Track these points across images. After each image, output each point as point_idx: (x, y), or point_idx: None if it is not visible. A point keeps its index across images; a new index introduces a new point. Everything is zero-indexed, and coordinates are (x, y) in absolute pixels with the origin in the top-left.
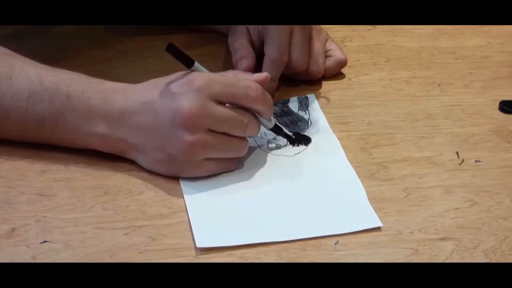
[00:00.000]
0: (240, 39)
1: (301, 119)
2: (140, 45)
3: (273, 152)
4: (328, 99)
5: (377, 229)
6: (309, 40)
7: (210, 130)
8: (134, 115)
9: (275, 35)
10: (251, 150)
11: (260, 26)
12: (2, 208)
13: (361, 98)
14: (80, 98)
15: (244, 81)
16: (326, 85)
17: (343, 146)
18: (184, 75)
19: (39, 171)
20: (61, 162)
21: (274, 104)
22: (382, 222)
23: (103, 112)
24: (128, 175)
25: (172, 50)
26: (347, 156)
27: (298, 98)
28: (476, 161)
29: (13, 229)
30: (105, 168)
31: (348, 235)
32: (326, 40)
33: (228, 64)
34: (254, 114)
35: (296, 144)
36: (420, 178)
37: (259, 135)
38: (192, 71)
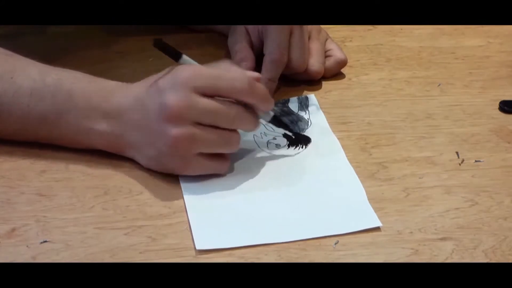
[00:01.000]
0: (240, 41)
1: (301, 119)
2: (140, 45)
3: (273, 152)
4: (328, 99)
5: (377, 229)
6: (309, 40)
7: (198, 124)
8: (129, 112)
9: (275, 35)
10: (251, 150)
11: (259, 26)
12: (2, 208)
13: (361, 98)
14: (81, 96)
15: (232, 73)
16: (326, 85)
17: (343, 146)
18: (171, 69)
19: (39, 171)
20: (61, 162)
21: (274, 104)
22: (382, 222)
23: (103, 110)
24: (128, 175)
25: (160, 44)
26: (347, 156)
27: (298, 98)
28: (476, 161)
29: (13, 229)
30: (105, 168)
31: (348, 235)
32: (326, 40)
33: None
34: (245, 106)
35: (296, 144)
36: (420, 178)
37: (258, 135)
38: (181, 64)
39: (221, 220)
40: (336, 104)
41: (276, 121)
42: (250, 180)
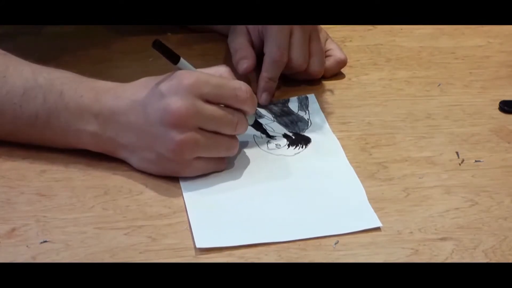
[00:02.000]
0: (240, 39)
1: (301, 119)
2: (140, 45)
3: (273, 152)
4: (328, 99)
5: (377, 229)
6: (309, 40)
7: (200, 129)
8: (124, 114)
9: (275, 35)
10: (251, 150)
11: (260, 26)
12: (2, 208)
13: (361, 98)
14: (72, 96)
15: (233, 82)
16: (326, 85)
17: (343, 146)
18: (174, 75)
19: (39, 171)
20: (61, 162)
21: (274, 104)
22: (382, 222)
23: (95, 111)
24: (128, 175)
25: (159, 46)
26: (347, 156)
27: (298, 98)
28: (476, 161)
29: (13, 229)
30: (105, 168)
31: (348, 235)
32: (326, 40)
33: (228, 64)
34: (243, 112)
35: (295, 144)
36: (420, 178)
37: (258, 135)
38: (178, 67)
39: (221, 219)
40: (336, 104)
41: (257, 124)
42: (250, 180)
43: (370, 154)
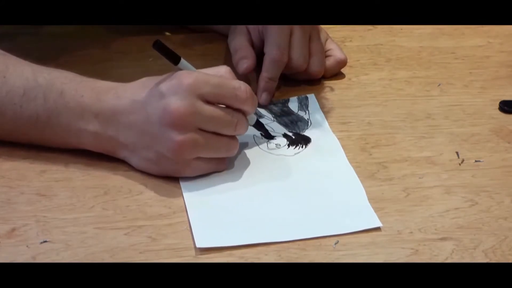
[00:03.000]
0: (240, 39)
1: (301, 119)
2: (140, 45)
3: (273, 152)
4: (328, 99)
5: (377, 229)
6: (309, 40)
7: (200, 130)
8: (125, 114)
9: (275, 35)
10: (251, 150)
11: (260, 26)
12: (2, 208)
13: (361, 98)
14: (73, 96)
15: (232, 82)
16: (326, 85)
17: (343, 146)
18: (173, 75)
19: (39, 171)
20: (61, 162)
21: (274, 104)
22: (382, 222)
23: (95, 110)
24: (128, 175)
25: (159, 46)
26: (347, 156)
27: (298, 98)
28: (476, 161)
29: (13, 229)
30: (105, 168)
31: (348, 235)
32: (326, 40)
33: (228, 64)
34: (243, 112)
35: (295, 144)
36: (420, 178)
37: (258, 134)
38: (179, 68)
39: (221, 218)
40: (336, 104)
41: (259, 124)
42: (250, 179)
43: (370, 154)
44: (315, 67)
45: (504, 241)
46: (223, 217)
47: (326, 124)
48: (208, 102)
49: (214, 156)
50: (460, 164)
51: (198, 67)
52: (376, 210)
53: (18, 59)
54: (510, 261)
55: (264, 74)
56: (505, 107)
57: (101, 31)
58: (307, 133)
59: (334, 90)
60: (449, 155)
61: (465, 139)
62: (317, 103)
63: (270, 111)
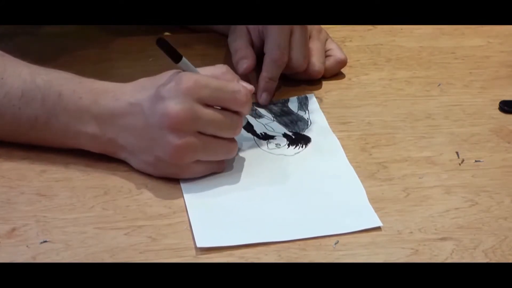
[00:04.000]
0: (240, 39)
1: (301, 119)
2: (140, 45)
3: (273, 152)
4: (328, 99)
5: (377, 229)
6: (309, 40)
7: (199, 133)
8: (124, 116)
9: (275, 35)
10: (251, 150)
11: (260, 26)
12: (2, 208)
13: (361, 98)
14: (71, 98)
15: (232, 85)
16: (326, 85)
17: (343, 146)
18: (173, 77)
19: (39, 171)
20: (61, 162)
21: (274, 104)
22: (382, 222)
23: (94, 113)
24: (128, 175)
25: (163, 44)
26: (347, 156)
27: (298, 98)
28: (476, 161)
29: (13, 229)
30: (105, 168)
31: (348, 235)
32: (326, 40)
33: (228, 64)
34: (240, 115)
35: (295, 144)
36: (420, 178)
37: (258, 134)
38: (179, 67)
39: (222, 218)
40: (336, 104)
41: (249, 127)
42: (250, 179)
43: (370, 154)
44: (315, 67)
45: (504, 241)
46: (223, 216)
47: (326, 124)
48: (207, 105)
49: (213, 159)
50: (460, 164)
51: (198, 67)
52: (376, 210)
53: (16, 59)
54: (510, 261)
55: (264, 74)
56: (505, 107)
57: (101, 31)
58: (307, 133)
59: (334, 90)
60: (449, 155)
61: (465, 139)
62: (317, 103)
63: (270, 111)
